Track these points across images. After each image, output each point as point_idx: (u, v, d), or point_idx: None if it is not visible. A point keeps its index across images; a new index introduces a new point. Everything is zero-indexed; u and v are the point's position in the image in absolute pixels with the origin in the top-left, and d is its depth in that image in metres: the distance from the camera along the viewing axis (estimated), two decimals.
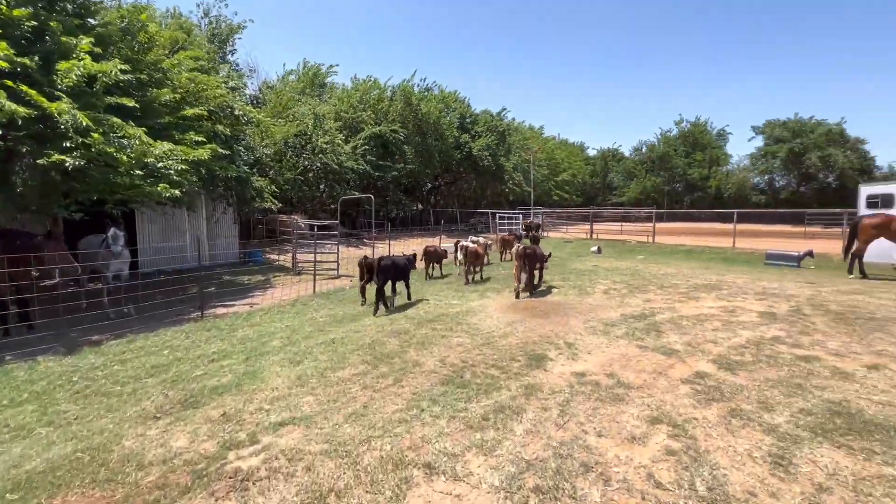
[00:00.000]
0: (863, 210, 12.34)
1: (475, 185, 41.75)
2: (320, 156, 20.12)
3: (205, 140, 9.33)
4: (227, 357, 5.50)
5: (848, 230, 11.56)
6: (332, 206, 28.94)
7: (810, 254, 14.05)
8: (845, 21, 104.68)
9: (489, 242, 15.98)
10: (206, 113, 10.30)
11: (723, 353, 5.14)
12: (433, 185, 43.40)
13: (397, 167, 27.59)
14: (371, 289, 8.17)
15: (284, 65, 34.64)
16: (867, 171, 41.77)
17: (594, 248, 18.43)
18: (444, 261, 12.21)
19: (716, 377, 4.41)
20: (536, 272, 9.12)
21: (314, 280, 10.15)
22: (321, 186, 21.66)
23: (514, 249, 9.91)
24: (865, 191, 12.50)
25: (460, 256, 11.72)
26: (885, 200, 11.91)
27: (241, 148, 13.64)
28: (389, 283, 8.04)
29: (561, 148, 58.90)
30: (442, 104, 33.24)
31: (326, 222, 17.84)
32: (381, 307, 7.56)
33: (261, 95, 23.80)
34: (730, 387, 4.17)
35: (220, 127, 10.90)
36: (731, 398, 3.93)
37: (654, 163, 57.51)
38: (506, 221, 26.04)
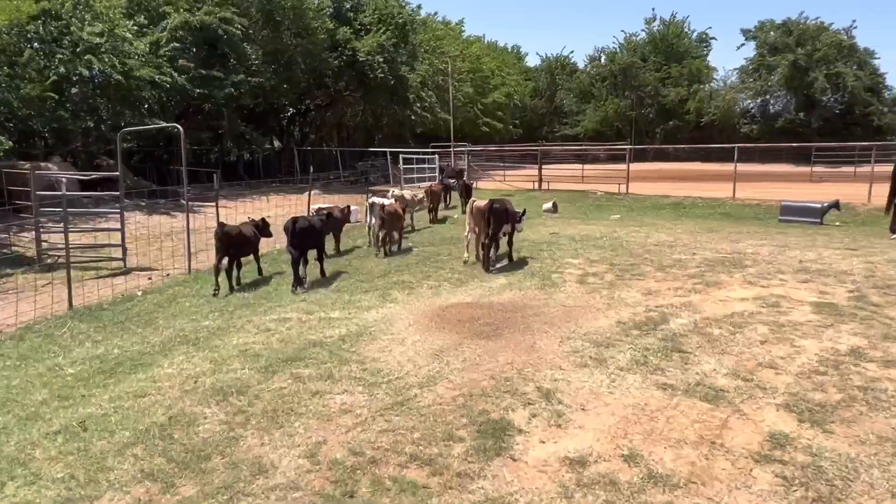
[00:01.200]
0: None
1: (365, 110, 39.76)
2: (87, 57, 16.85)
3: None
4: None
5: (893, 173, 12.17)
6: (125, 147, 25.39)
7: (836, 205, 14.90)
8: None
9: (416, 196, 14.83)
10: None
11: (792, 386, 4.53)
12: (297, 110, 40.70)
13: (235, 79, 24.71)
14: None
15: None
16: (877, 92, 47.27)
17: (547, 206, 18.07)
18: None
19: (803, 443, 3.70)
20: (504, 238, 9.29)
21: (69, 283, 8.03)
22: (94, 112, 18.41)
23: (470, 205, 9.71)
24: None
25: (373, 220, 11.66)
26: None
27: None
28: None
29: (490, 54, 58.53)
30: None
31: (98, 174, 15.14)
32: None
33: None
34: (835, 464, 3.47)
35: None
36: (846, 497, 3.21)
37: (616, 78, 59.77)
38: (413, 166, 24.74)
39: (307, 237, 8.88)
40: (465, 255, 9.67)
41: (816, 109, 48.44)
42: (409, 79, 34.06)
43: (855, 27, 48.41)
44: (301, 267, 8.69)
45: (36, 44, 16.97)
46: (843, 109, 47.76)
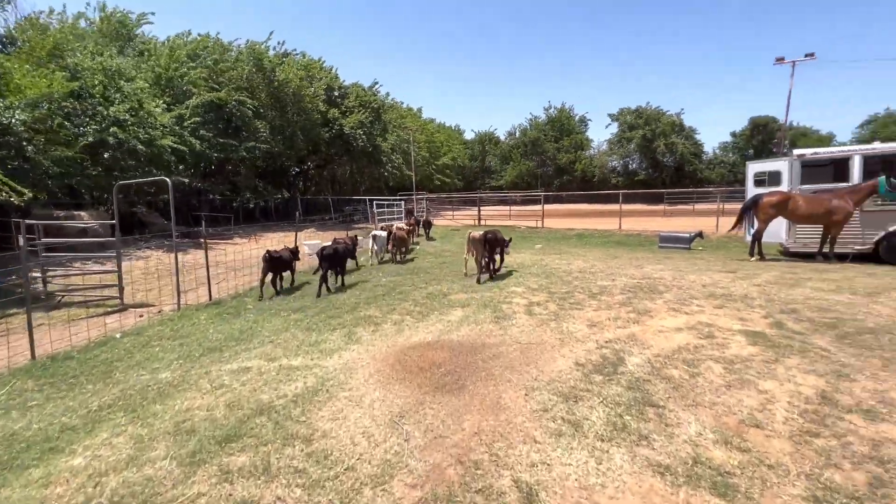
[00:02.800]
0: (751, 188, 11.97)
1: (352, 169, 37.44)
2: (113, 129, 14.10)
3: None
4: None
5: (740, 208, 10.92)
6: (164, 198, 22.30)
7: (700, 234, 13.68)
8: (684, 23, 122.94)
9: (396, 228, 13.13)
10: None
11: (799, 460, 2.71)
12: (300, 168, 37.92)
13: (247, 146, 22.08)
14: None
15: (65, 5, 25.22)
16: (699, 155, 48.25)
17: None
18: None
19: None
20: (497, 256, 8.96)
21: (30, 333, 5.51)
22: (125, 171, 15.58)
23: (468, 235, 9.02)
24: (753, 168, 12.15)
25: (374, 247, 11.95)
26: (773, 177, 11.61)
27: None
28: None
29: (440, 131, 57.21)
30: (304, 72, 28.06)
31: (86, 223, 12.40)
32: None
33: (16, 34, 16.19)
34: None
35: None
36: None
37: (527, 147, 59.43)
38: (384, 209, 22.65)
39: (336, 258, 8.75)
40: (465, 269, 9.35)
41: (660, 167, 49.00)
42: (382, 147, 32.03)
43: (683, 112, 49.64)
44: (325, 281, 8.35)
45: (66, 114, 14.06)
46: (677, 167, 48.47)
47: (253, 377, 4.30)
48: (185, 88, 20.10)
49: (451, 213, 27.85)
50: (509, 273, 9.15)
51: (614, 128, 54.34)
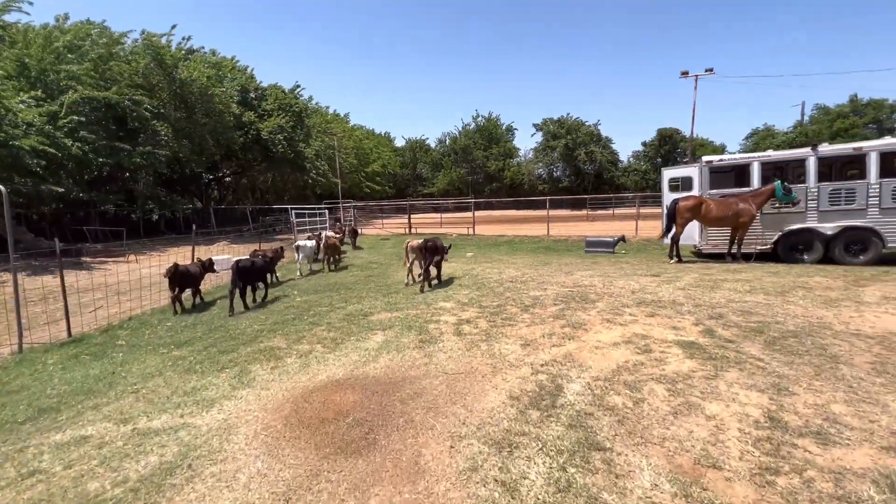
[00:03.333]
0: (666, 193, 12.50)
1: (274, 177, 34.99)
2: None
3: None
4: None
5: (665, 213, 11.33)
6: (42, 209, 18.88)
7: (623, 239, 14.10)
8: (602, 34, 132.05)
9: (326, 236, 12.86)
10: None
11: (759, 501, 2.30)
12: (214, 176, 34.77)
13: (142, 150, 19.45)
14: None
15: None
16: (615, 163, 51.60)
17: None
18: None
19: None
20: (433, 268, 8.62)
21: None
22: None
23: (406, 245, 9.00)
24: (668, 174, 12.72)
25: (300, 257, 11.68)
26: (685, 183, 12.20)
27: None
28: None
29: (369, 138, 55.82)
30: (213, 70, 25.62)
31: None
32: None
33: None
34: None
35: None
36: None
37: (457, 154, 59.97)
38: (306, 220, 21.08)
39: (250, 274, 8.07)
40: (406, 279, 9.04)
41: (581, 175, 51.73)
42: (306, 153, 30.19)
43: (600, 123, 52.96)
44: (238, 298, 7.76)
45: None
46: (597, 174, 51.49)
47: (87, 453, 3.16)
48: (62, 84, 17.21)
49: (381, 221, 26.83)
50: (440, 285, 8.52)
51: (539, 137, 56.69)
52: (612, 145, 52.66)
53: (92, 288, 10.82)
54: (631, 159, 57.11)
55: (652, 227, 18.33)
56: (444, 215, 25.65)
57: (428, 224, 24.01)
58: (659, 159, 53.61)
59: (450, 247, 9.22)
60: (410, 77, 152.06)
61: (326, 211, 19.77)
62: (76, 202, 21.81)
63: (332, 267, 12.11)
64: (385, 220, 26.27)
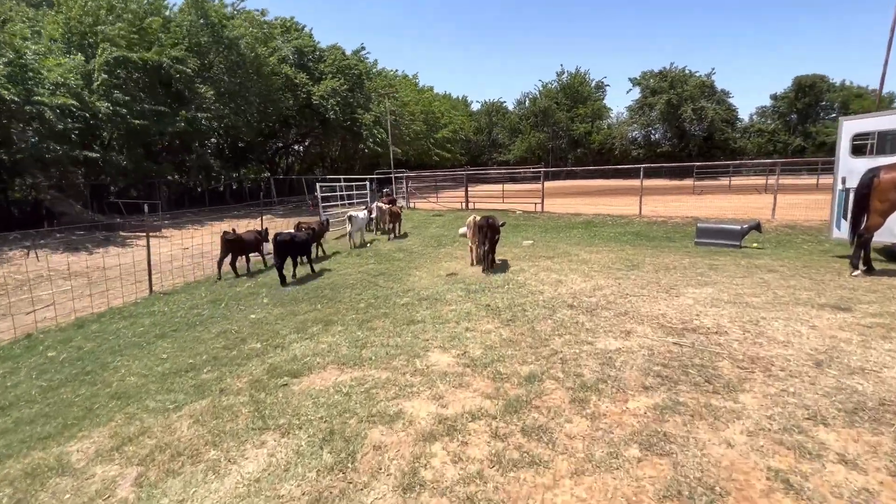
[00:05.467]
0: (845, 158, 7.86)
1: (344, 145, 33.67)
2: None
3: None
4: None
5: (853, 192, 6.91)
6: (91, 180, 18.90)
7: (758, 227, 9.69)
8: None
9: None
10: None
11: None
12: (285, 144, 34.33)
13: (185, 116, 18.47)
14: None
15: None
16: (732, 122, 42.86)
17: (462, 230, 12.49)
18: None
19: None
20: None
21: None
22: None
23: (469, 221, 8.05)
24: (850, 126, 7.91)
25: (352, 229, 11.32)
26: (886, 140, 7.51)
27: None
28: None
29: (441, 101, 52.55)
30: (264, 29, 24.06)
31: None
32: None
33: None
34: None
35: None
36: None
37: (537, 117, 54.45)
38: (353, 192, 18.52)
39: (289, 247, 7.93)
40: (471, 259, 8.39)
41: (686, 137, 43.79)
42: (362, 119, 28.05)
43: (714, 73, 43.77)
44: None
45: None
46: (706, 136, 43.18)
47: None
48: (100, 46, 16.49)
49: (435, 195, 23.98)
50: (452, 302, 5.48)
51: (636, 93, 48.88)
52: (729, 100, 43.50)
53: (91, 270, 9.54)
54: (754, 117, 47.20)
55: (792, 207, 13.23)
56: (505, 187, 22.02)
57: (489, 197, 20.73)
58: (793, 115, 43.45)
59: (503, 224, 8.03)
60: (493, 35, 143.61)
61: (368, 183, 17.25)
62: (118, 172, 21.36)
63: (397, 234, 12.64)
64: (441, 193, 23.37)
